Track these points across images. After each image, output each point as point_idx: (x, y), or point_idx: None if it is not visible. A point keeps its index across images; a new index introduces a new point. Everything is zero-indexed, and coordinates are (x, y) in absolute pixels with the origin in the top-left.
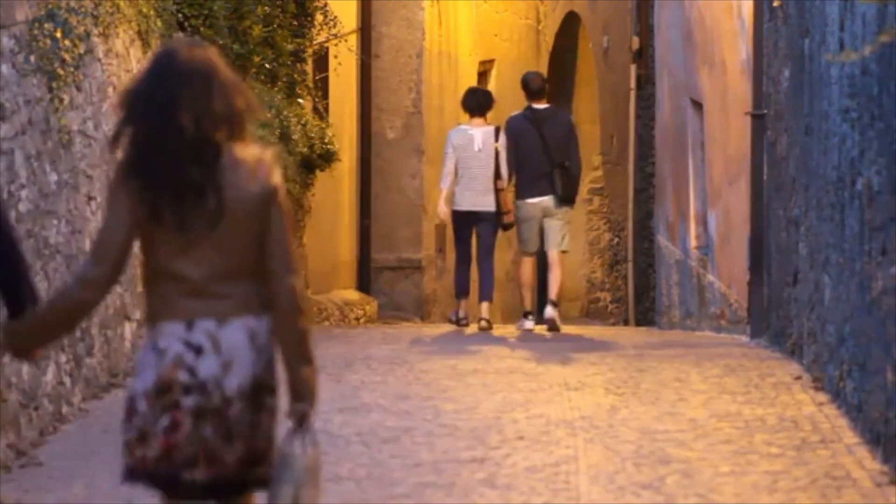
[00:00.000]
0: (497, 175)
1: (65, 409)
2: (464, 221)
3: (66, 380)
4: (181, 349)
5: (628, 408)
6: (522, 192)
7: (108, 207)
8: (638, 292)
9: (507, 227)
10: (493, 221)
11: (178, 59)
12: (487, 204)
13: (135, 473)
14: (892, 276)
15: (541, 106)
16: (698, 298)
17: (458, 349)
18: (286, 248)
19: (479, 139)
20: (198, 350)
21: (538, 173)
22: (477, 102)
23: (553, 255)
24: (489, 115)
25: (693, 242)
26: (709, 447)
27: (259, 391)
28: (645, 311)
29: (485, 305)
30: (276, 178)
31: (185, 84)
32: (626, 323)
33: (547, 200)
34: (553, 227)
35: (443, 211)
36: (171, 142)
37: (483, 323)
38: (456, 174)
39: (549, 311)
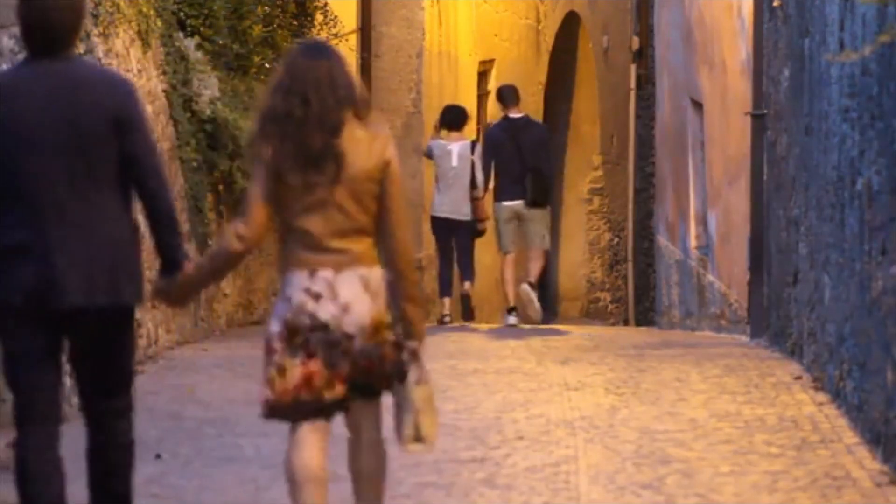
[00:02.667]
0: (473, 185)
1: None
2: (441, 226)
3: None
4: (303, 297)
5: (628, 408)
6: (499, 196)
7: (252, 174)
8: (638, 292)
9: (478, 234)
10: (469, 228)
11: (309, 53)
12: (463, 213)
13: (275, 409)
14: (892, 276)
15: (516, 115)
16: (698, 298)
17: (459, 349)
18: (398, 210)
19: (456, 153)
20: (316, 297)
21: (513, 178)
22: (453, 118)
23: (534, 252)
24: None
25: (693, 242)
26: (709, 447)
27: (378, 327)
28: (645, 311)
29: (467, 284)
30: (391, 151)
31: (316, 76)
32: (626, 323)
33: (520, 204)
34: (531, 230)
35: None
36: (299, 115)
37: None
38: (436, 181)
39: (525, 288)
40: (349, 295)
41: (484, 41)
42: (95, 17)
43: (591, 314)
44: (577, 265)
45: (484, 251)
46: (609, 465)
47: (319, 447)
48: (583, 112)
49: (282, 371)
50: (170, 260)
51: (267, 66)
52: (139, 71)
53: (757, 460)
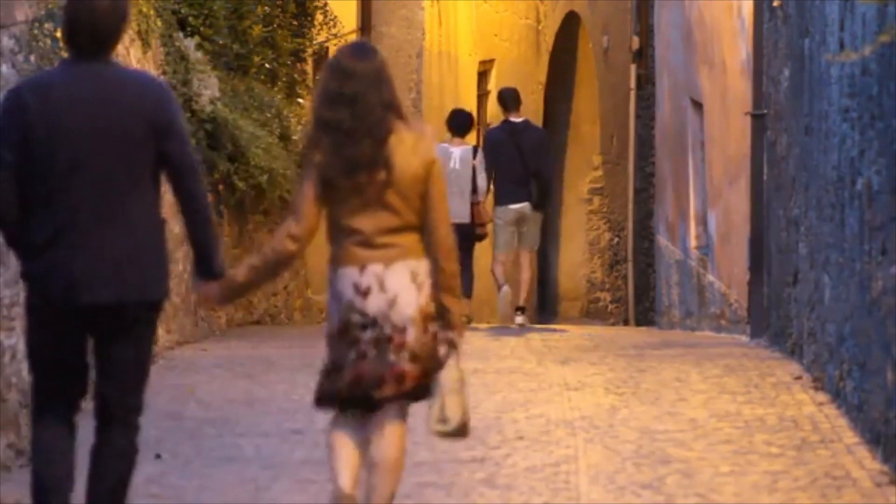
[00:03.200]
0: (474, 189)
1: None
2: None
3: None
4: (351, 295)
5: (628, 408)
6: (500, 199)
7: (301, 176)
8: (638, 292)
9: (480, 238)
10: (468, 232)
11: (354, 57)
12: (462, 216)
13: (325, 399)
14: (892, 276)
15: (517, 119)
16: (698, 298)
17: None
18: (442, 207)
19: (457, 157)
20: (365, 293)
21: (514, 181)
22: (459, 124)
23: (524, 256)
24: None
25: (693, 242)
26: (709, 447)
27: (425, 318)
28: (645, 311)
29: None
30: (434, 151)
31: (363, 81)
32: (626, 323)
33: (523, 207)
34: (529, 231)
35: None
36: (347, 123)
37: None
38: None
39: (519, 319)
40: (397, 287)
41: (484, 41)
42: None
43: (591, 314)
44: (577, 265)
45: (483, 253)
46: (609, 465)
47: (357, 432)
48: (583, 112)
49: (337, 369)
50: (203, 257)
51: (267, 66)
52: None
53: (757, 460)
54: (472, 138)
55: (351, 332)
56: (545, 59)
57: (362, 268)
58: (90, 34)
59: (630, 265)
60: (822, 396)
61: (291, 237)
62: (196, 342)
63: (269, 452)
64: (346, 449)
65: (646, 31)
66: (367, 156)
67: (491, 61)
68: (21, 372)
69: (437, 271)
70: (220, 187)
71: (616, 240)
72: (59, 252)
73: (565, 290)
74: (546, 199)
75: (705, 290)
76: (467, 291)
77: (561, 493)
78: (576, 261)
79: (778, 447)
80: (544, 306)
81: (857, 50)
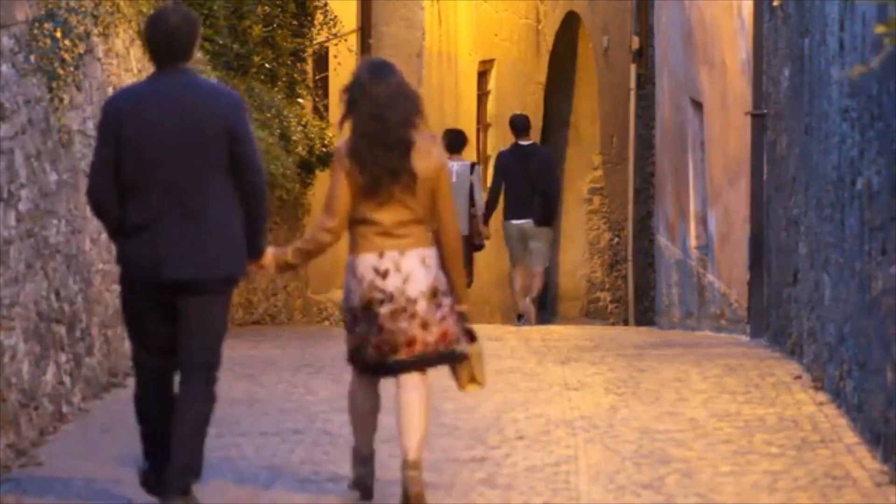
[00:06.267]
0: (472, 203)
1: (65, 409)
2: None
3: (66, 379)
4: (373, 276)
5: (628, 408)
6: (508, 215)
7: (332, 176)
8: (638, 292)
9: (478, 248)
10: (466, 243)
11: (377, 74)
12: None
13: (353, 360)
14: (892, 276)
15: (525, 143)
16: (698, 298)
17: None
18: (450, 203)
19: (454, 171)
20: (384, 274)
21: (521, 199)
22: (451, 142)
23: (536, 271)
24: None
25: (693, 242)
26: (709, 447)
27: (435, 293)
28: (645, 311)
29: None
30: (443, 157)
31: (393, 97)
32: (626, 323)
33: (527, 223)
34: (536, 248)
35: None
36: (382, 138)
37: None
38: None
39: (526, 302)
40: (410, 268)
41: (484, 41)
42: (95, 17)
43: (591, 314)
44: (577, 265)
45: (482, 254)
46: (609, 465)
47: (375, 391)
48: (583, 112)
49: (360, 338)
50: (253, 243)
51: (267, 66)
52: (139, 71)
53: (757, 460)
54: (470, 154)
55: (372, 307)
56: (545, 59)
57: (381, 254)
58: (167, 47)
59: (630, 265)
60: (822, 396)
61: (327, 230)
62: None
63: (269, 452)
64: (365, 408)
65: (646, 31)
66: (393, 166)
67: (491, 61)
68: (21, 372)
69: (446, 255)
70: None
71: (616, 240)
72: (147, 236)
73: (565, 290)
74: (551, 215)
75: (705, 290)
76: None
77: (561, 493)
78: (576, 261)
79: (778, 447)
80: (544, 306)
81: (857, 52)
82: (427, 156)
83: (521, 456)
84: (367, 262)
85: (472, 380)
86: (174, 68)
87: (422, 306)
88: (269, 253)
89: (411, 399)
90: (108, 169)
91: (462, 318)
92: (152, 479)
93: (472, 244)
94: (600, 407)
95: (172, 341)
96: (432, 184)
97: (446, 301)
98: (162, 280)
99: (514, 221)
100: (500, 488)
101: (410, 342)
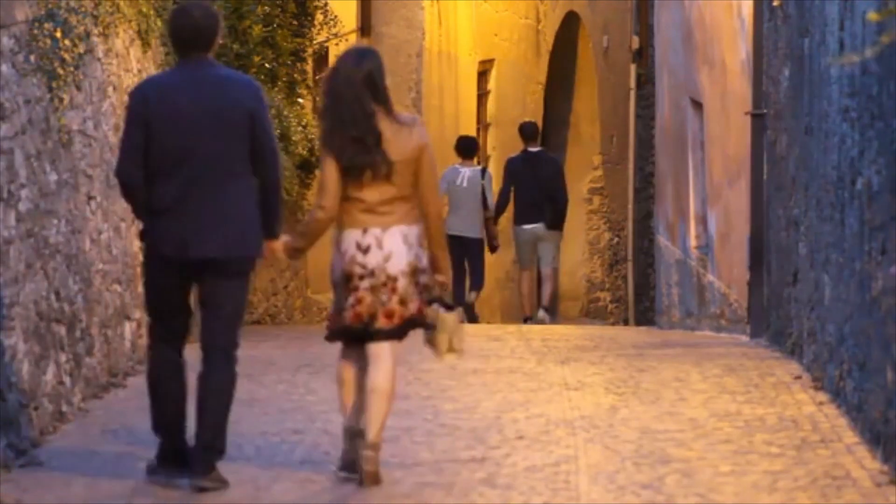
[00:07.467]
0: (484, 206)
1: (65, 409)
2: (453, 244)
3: (66, 379)
4: (354, 251)
5: (628, 408)
6: (518, 220)
7: (322, 158)
8: (638, 292)
9: (493, 250)
10: (479, 246)
11: (352, 61)
12: (473, 231)
13: (334, 334)
14: (892, 276)
15: (534, 149)
16: (698, 298)
17: None
18: (433, 182)
19: (466, 176)
20: (366, 250)
21: (531, 204)
22: (465, 147)
23: (546, 272)
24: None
25: (693, 242)
26: (709, 447)
27: (414, 271)
28: (645, 311)
29: (472, 294)
30: (425, 137)
31: (357, 80)
32: (625, 323)
33: (538, 227)
34: (545, 250)
35: None
36: (346, 119)
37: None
38: (448, 202)
39: (542, 314)
40: (392, 245)
41: (484, 41)
42: (95, 17)
43: (591, 314)
44: (577, 265)
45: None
46: (609, 464)
47: (357, 361)
48: (583, 112)
49: (341, 310)
50: (269, 222)
51: (267, 65)
52: (139, 71)
53: (757, 460)
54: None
55: (352, 280)
56: (545, 58)
57: (364, 230)
58: (191, 39)
59: (630, 265)
60: (821, 396)
61: (321, 208)
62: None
63: (269, 452)
64: (350, 382)
65: (646, 31)
66: (366, 156)
67: (491, 61)
68: (21, 372)
69: (427, 229)
70: None
71: (616, 240)
72: (174, 216)
73: (565, 289)
74: (560, 219)
75: (705, 290)
76: (477, 286)
77: (561, 492)
78: (576, 261)
79: (778, 447)
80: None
81: (857, 50)
82: (408, 137)
83: (521, 456)
84: (350, 237)
85: (451, 348)
86: (197, 59)
87: (402, 283)
88: (282, 239)
89: (378, 382)
90: (137, 153)
91: (442, 287)
92: (168, 459)
93: (490, 246)
94: (600, 407)
95: (187, 321)
96: (414, 164)
97: (423, 278)
98: (188, 258)
99: (526, 226)
100: (500, 488)
101: (389, 314)
